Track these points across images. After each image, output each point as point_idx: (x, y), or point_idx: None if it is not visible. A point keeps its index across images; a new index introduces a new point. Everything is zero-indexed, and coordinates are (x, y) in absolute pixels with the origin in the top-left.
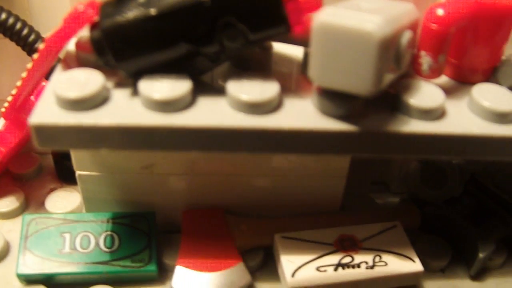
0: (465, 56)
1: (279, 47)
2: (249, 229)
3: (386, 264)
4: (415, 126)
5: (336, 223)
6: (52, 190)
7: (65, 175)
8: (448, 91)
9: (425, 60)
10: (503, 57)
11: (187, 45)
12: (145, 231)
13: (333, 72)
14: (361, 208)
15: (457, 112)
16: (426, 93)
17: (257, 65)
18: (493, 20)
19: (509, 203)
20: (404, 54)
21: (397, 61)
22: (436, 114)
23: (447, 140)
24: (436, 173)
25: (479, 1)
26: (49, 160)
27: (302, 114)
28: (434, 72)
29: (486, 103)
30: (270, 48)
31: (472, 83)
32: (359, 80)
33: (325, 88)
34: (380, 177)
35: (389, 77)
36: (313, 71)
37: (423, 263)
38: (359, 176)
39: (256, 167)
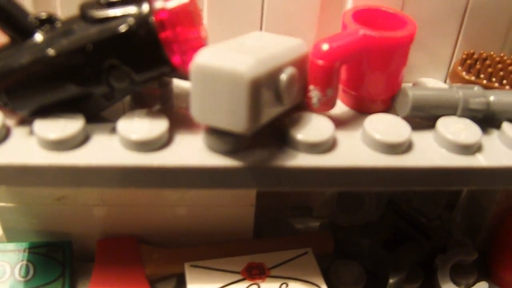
0: (362, 87)
1: (183, 83)
2: (160, 258)
3: None
4: (301, 160)
5: (247, 251)
6: None
7: None
8: (346, 122)
9: (314, 94)
10: (402, 86)
11: (77, 87)
12: (60, 261)
13: (211, 110)
14: (277, 234)
15: (349, 144)
16: (315, 127)
17: (157, 101)
18: (383, 52)
19: (426, 226)
20: (285, 90)
21: (278, 98)
22: (323, 147)
23: (335, 172)
24: (353, 198)
25: (367, 35)
26: None
27: (190, 150)
28: (325, 105)
29: (377, 135)
30: (169, 84)
31: (373, 112)
32: (234, 118)
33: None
34: (302, 201)
35: (270, 113)
36: (194, 109)
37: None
38: (280, 201)
39: (168, 197)
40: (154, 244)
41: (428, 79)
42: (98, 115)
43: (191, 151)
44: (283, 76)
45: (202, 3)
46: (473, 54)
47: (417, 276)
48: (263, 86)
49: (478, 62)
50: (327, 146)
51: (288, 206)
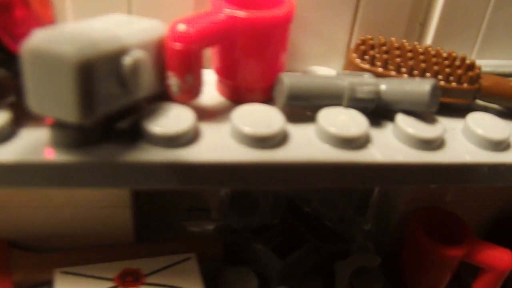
0: (237, 75)
1: None
2: (31, 264)
3: None
4: (154, 154)
5: (125, 256)
6: None
7: None
8: (218, 114)
9: (173, 81)
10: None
11: None
12: None
13: (44, 98)
14: (167, 238)
15: (215, 137)
16: (173, 118)
17: (12, 92)
18: (254, 35)
19: (327, 230)
20: (130, 76)
21: (123, 85)
22: (181, 140)
23: (194, 168)
24: (247, 199)
25: (232, 15)
26: None
27: (32, 145)
28: (186, 94)
29: (245, 128)
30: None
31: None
32: (67, 107)
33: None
34: (199, 203)
35: (114, 102)
36: (28, 98)
37: None
38: (175, 203)
39: (36, 198)
40: (27, 249)
41: (319, 68)
42: None
43: (33, 145)
44: (127, 60)
45: None
46: (370, 40)
47: (315, 283)
48: (97, 71)
49: (375, 49)
50: (186, 139)
51: (183, 207)
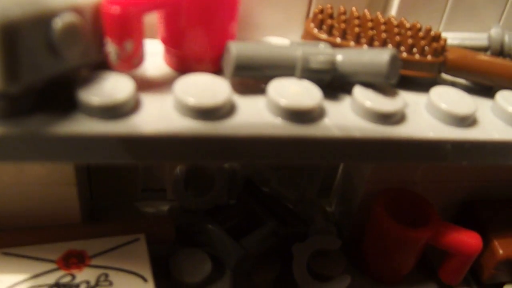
0: (184, 45)
1: None
2: None
3: (111, 284)
4: (87, 126)
5: (70, 236)
6: None
7: None
8: (162, 85)
9: (111, 48)
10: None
11: None
12: None
13: None
14: (117, 218)
15: (157, 108)
16: (109, 88)
17: None
18: (200, 1)
19: (286, 211)
20: (62, 41)
21: (53, 50)
22: (117, 111)
23: (130, 140)
24: (202, 178)
25: None
26: None
27: None
28: (126, 62)
29: (189, 98)
30: None
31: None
32: None
33: None
34: (155, 183)
35: (44, 69)
36: None
37: (177, 278)
38: (130, 182)
39: None
40: None
41: (273, 38)
42: None
43: None
44: (57, 23)
45: None
46: (329, 9)
47: (272, 266)
48: (23, 34)
49: (334, 19)
50: (124, 110)
51: (138, 187)
